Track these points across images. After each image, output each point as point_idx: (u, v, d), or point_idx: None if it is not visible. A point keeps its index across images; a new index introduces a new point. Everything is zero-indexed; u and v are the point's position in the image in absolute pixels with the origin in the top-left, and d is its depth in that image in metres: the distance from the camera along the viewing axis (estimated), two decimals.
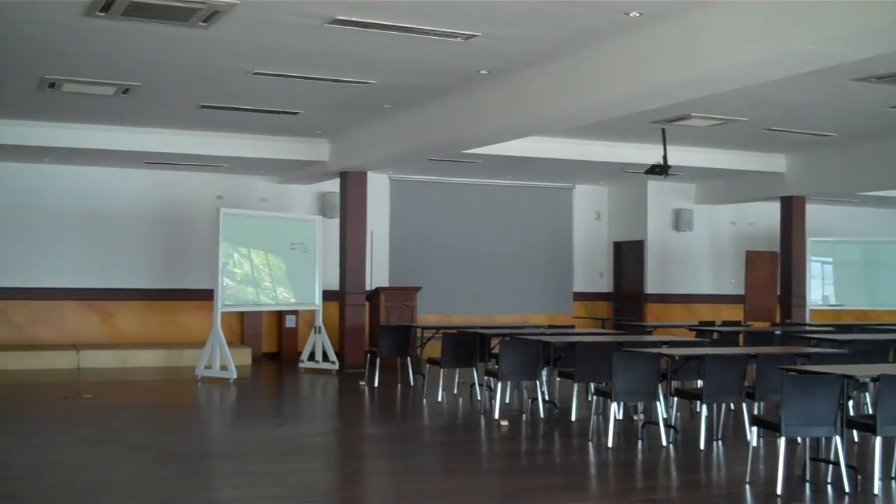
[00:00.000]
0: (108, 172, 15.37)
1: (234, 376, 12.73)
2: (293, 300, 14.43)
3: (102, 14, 7.62)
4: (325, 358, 14.36)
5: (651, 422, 8.95)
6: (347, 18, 7.76)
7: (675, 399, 9.13)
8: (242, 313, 15.56)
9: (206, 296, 13.84)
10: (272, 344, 16.21)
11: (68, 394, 11.52)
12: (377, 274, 16.45)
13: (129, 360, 14.49)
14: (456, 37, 8.29)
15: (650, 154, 13.17)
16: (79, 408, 10.67)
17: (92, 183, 15.31)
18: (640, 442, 8.75)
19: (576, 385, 10.09)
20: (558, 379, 11.08)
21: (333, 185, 15.73)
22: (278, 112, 12.01)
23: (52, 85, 10.40)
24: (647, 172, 12.80)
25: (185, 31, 8.14)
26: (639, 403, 9.37)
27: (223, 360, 12.88)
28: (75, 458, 8.01)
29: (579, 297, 18.52)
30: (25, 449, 8.31)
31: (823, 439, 7.30)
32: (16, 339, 14.85)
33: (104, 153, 13.77)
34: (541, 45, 8.58)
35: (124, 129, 13.22)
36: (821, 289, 17.48)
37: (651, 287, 17.84)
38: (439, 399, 11.30)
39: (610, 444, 8.48)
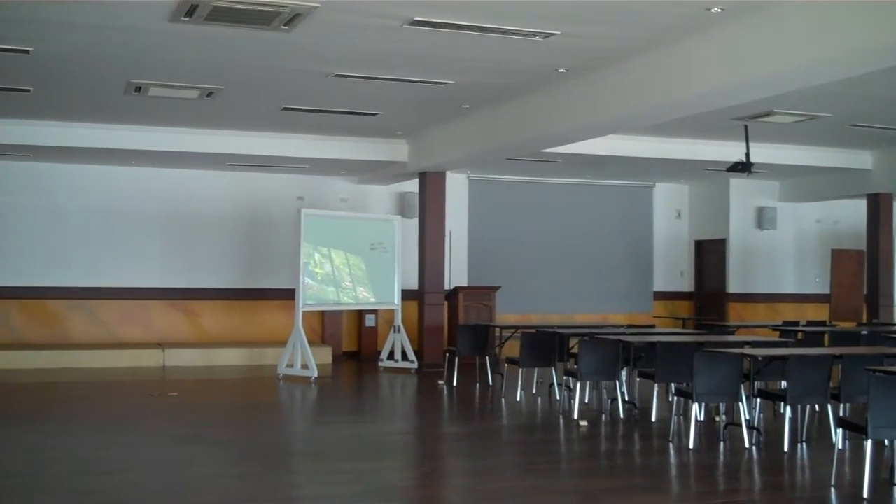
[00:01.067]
0: (191, 174, 15.68)
1: (315, 375, 12.88)
2: (373, 299, 14.54)
3: (187, 19, 7.77)
4: (405, 357, 14.44)
5: (733, 423, 8.82)
6: (426, 19, 7.80)
7: (758, 400, 8.98)
8: (323, 313, 15.73)
9: (288, 295, 14.03)
10: (352, 343, 16.36)
11: (154, 391, 11.77)
12: (456, 273, 16.48)
13: (212, 359, 14.75)
14: (534, 36, 8.27)
15: (732, 151, 12.97)
16: (165, 405, 10.90)
17: (176, 185, 15.62)
18: (721, 444, 8.62)
19: (656, 385, 9.98)
20: (638, 379, 10.99)
21: (412, 186, 15.81)
22: (358, 113, 12.12)
23: (138, 89, 10.64)
24: (729, 170, 12.61)
25: (267, 34, 8.26)
26: (721, 404, 9.24)
27: (304, 358, 13.04)
28: (161, 455, 8.18)
29: (660, 296, 18.33)
30: (113, 445, 8.51)
31: None
32: (104, 337, 15.23)
33: (188, 155, 14.04)
34: (620, 42, 8.52)
35: (208, 131, 13.48)
36: None
37: (733, 286, 17.57)
38: (518, 399, 11.28)
39: (691, 445, 8.38)
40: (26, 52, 8.92)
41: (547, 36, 8.28)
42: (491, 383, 12.64)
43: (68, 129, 13.02)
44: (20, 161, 14.63)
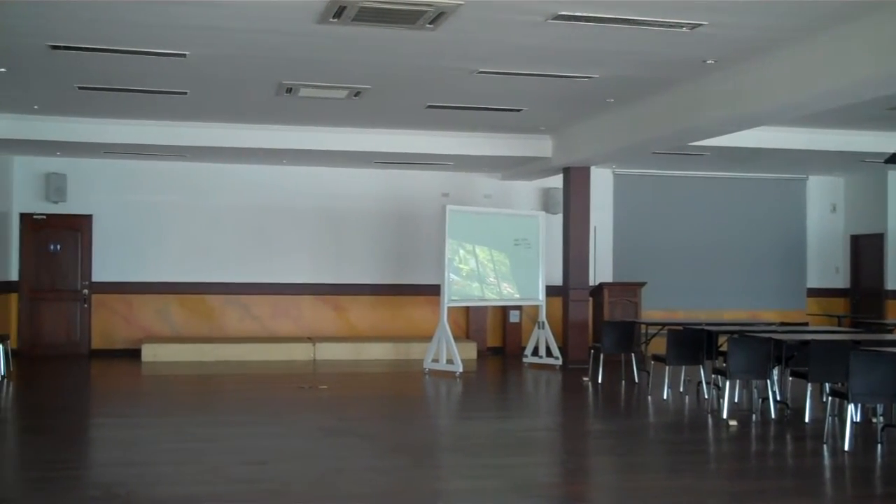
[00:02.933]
0: (340, 172, 16.01)
1: (460, 370, 12.99)
2: (517, 295, 14.56)
3: (335, 20, 7.94)
4: (549, 353, 14.41)
5: (891, 425, 8.49)
6: (570, 13, 7.75)
7: None
8: (468, 308, 15.85)
9: (433, 291, 14.19)
10: (496, 338, 16.43)
11: (305, 384, 12.09)
12: (601, 269, 16.35)
13: (360, 353, 15.05)
14: (681, 27, 8.13)
15: (890, 142, 12.45)
16: (315, 398, 11.18)
17: (325, 183, 15.99)
18: (878, 446, 8.30)
19: (809, 385, 9.66)
20: (790, 378, 10.67)
21: (556, 181, 15.76)
22: (502, 110, 12.14)
23: (289, 90, 10.94)
24: (887, 162, 12.11)
25: (413, 33, 8.36)
26: (878, 405, 8.90)
27: (449, 353, 13.18)
28: (312, 446, 8.41)
29: (813, 293, 17.73)
30: (267, 436, 8.79)
31: None
32: (257, 331, 15.74)
33: (337, 154, 14.35)
34: (772, 32, 8.28)
35: (355, 130, 13.75)
36: None
37: (892, 283, 16.83)
38: (664, 397, 11.12)
39: (846, 447, 8.10)
40: (183, 55, 9.28)
41: (694, 27, 8.12)
42: (637, 381, 12.50)
43: (223, 130, 13.51)
44: (178, 161, 15.25)
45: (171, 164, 15.30)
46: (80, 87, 10.88)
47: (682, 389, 11.58)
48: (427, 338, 14.44)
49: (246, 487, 6.73)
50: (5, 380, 12.10)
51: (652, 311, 15.79)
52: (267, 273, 15.77)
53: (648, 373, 11.98)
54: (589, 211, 14.61)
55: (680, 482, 7.20)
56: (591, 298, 14.82)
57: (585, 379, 12.74)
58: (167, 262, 15.41)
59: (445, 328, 13.25)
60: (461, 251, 13.72)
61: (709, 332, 11.18)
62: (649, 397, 11.29)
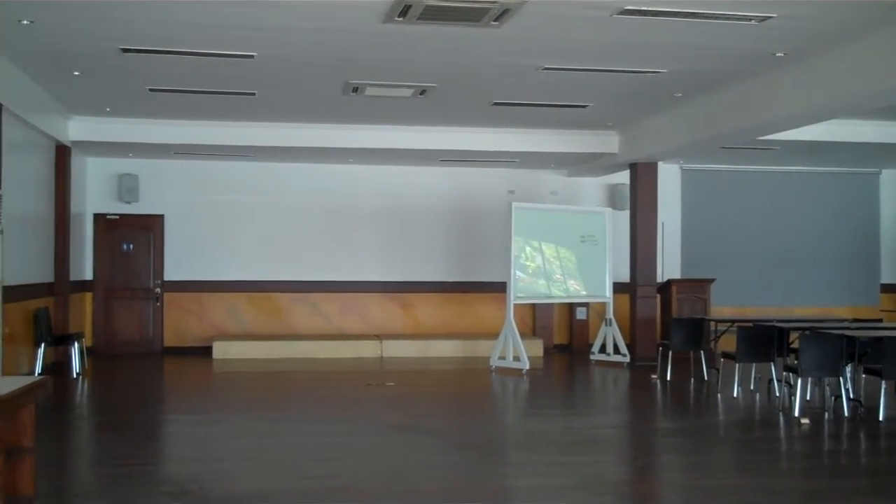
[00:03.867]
0: (406, 171, 16.08)
1: (527, 367, 12.98)
2: (584, 292, 14.50)
3: (400, 19, 7.98)
4: (616, 350, 14.33)
5: None
6: (636, 8, 7.69)
7: None
8: (534, 305, 15.82)
9: (499, 288, 14.18)
10: (563, 336, 16.37)
11: (373, 381, 12.17)
12: (668, 265, 16.20)
13: (427, 350, 15.11)
14: (750, 20, 8.02)
15: None
16: (382, 395, 11.25)
17: (392, 181, 16.06)
18: None
19: (883, 382, 9.47)
20: (864, 375, 10.46)
21: (623, 177, 15.65)
22: (568, 106, 12.09)
23: (355, 89, 11.02)
24: None
25: (478, 31, 8.37)
26: None
27: (516, 351, 13.17)
28: (380, 443, 8.47)
29: (887, 289, 17.35)
30: (337, 433, 8.87)
31: None
32: (325, 329, 15.87)
33: (403, 152, 14.42)
34: (843, 23, 8.13)
35: (421, 128, 13.80)
36: None
37: None
38: (734, 394, 10.99)
39: None
40: (251, 57, 9.41)
41: (763, 19, 8.00)
42: (706, 378, 12.36)
43: (290, 130, 13.66)
44: (247, 161, 15.45)
45: (240, 163, 15.51)
46: (150, 89, 11.09)
47: (752, 387, 11.43)
48: (493, 335, 14.44)
49: (315, 483, 6.80)
50: (80, 377, 12.39)
51: (721, 307, 15.60)
52: (335, 271, 15.90)
53: (718, 370, 11.84)
54: (656, 207, 14.49)
55: (751, 481, 7.10)
56: (658, 295, 14.69)
57: (654, 376, 12.64)
58: (237, 261, 15.61)
59: (512, 325, 13.24)
60: (527, 248, 13.70)
61: (780, 328, 11.02)
62: (719, 395, 11.16)
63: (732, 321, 12.69)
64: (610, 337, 14.42)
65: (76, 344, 12.48)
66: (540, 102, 11.87)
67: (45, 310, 12.30)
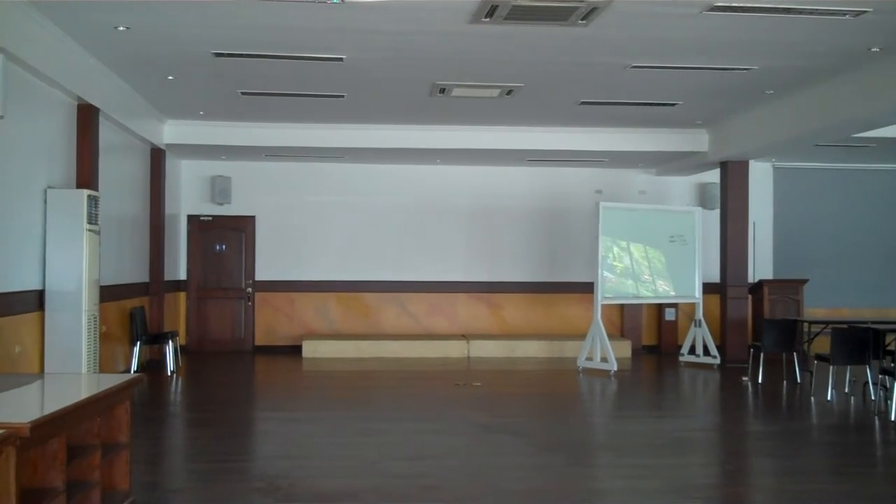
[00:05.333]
0: (493, 171, 16.09)
1: (615, 368, 12.88)
2: (673, 293, 14.33)
3: (487, 20, 8.00)
4: (706, 352, 14.13)
5: None
6: (727, 4, 7.59)
7: None
8: (622, 306, 15.69)
9: (587, 288, 14.10)
10: (652, 337, 16.20)
11: (460, 381, 12.21)
12: (760, 266, 15.93)
13: (514, 351, 15.10)
14: (844, 14, 7.84)
15: None
16: (469, 395, 11.28)
17: (479, 181, 16.10)
18: None
19: None
20: None
21: (713, 176, 15.44)
22: (656, 104, 11.97)
23: (442, 90, 11.07)
24: None
25: (565, 30, 8.34)
26: None
27: (604, 351, 13.07)
28: (467, 443, 8.49)
29: None
30: (423, 432, 8.92)
31: None
32: (413, 328, 15.98)
33: (490, 153, 14.44)
34: None
35: (508, 128, 13.81)
36: None
37: None
38: (829, 398, 10.75)
39: None
40: (340, 59, 9.52)
41: (858, 14, 7.82)
42: (799, 381, 12.11)
43: (378, 132, 13.79)
44: (336, 163, 15.63)
45: (330, 165, 15.70)
46: (242, 93, 11.30)
47: (847, 390, 11.17)
48: (581, 336, 14.36)
49: (403, 482, 6.85)
50: (174, 375, 12.68)
51: (815, 308, 15.28)
52: (422, 271, 15.99)
53: (811, 373, 11.59)
54: (747, 206, 14.25)
55: (846, 486, 6.95)
56: (750, 296, 14.44)
57: (745, 378, 12.43)
58: (326, 261, 15.81)
59: (599, 326, 13.16)
60: (615, 248, 13.59)
61: (875, 330, 10.74)
62: (812, 398, 10.93)
63: (826, 322, 12.41)
64: (700, 338, 14.23)
65: (170, 342, 12.78)
66: (628, 101, 11.78)
67: (140, 309, 12.63)
